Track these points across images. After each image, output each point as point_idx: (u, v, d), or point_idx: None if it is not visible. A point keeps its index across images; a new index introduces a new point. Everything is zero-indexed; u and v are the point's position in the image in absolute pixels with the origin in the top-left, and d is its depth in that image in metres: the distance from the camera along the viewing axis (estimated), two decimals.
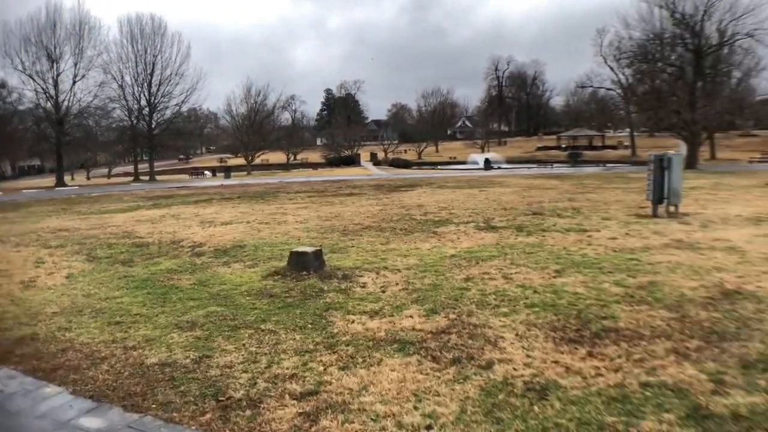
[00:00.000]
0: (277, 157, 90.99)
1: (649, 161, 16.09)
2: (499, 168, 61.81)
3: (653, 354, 6.24)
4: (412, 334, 7.18)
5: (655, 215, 16.01)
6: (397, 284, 9.60)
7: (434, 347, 6.70)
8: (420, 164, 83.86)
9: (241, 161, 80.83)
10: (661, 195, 15.89)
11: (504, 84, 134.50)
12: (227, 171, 65.37)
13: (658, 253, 11.25)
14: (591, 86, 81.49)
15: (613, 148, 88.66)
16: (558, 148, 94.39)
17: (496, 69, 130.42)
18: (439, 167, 75.78)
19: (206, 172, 73.21)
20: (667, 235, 13.11)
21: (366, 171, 63.64)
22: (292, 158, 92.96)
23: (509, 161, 78.30)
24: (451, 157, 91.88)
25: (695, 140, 43.22)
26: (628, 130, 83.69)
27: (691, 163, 41.52)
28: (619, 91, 70.05)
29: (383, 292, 9.20)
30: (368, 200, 24.45)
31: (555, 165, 68.16)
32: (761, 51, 46.50)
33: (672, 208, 16.35)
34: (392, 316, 7.95)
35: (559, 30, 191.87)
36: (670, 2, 44.43)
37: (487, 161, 59.70)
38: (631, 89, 61.02)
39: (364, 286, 9.56)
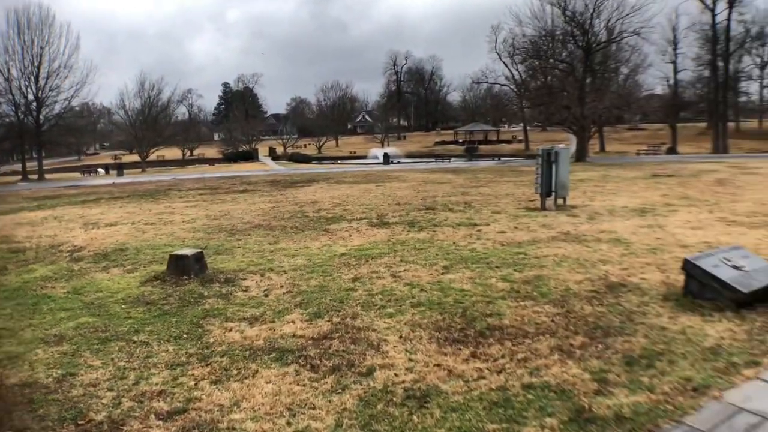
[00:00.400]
0: (173, 153, 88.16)
1: (537, 155, 16.29)
2: (399, 162, 62.14)
3: (537, 353, 6.11)
4: (292, 341, 6.80)
5: (543, 208, 16.25)
6: (281, 287, 9.18)
7: (314, 355, 6.34)
8: (320, 159, 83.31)
9: (136, 158, 77.68)
10: (549, 188, 16.15)
11: (402, 79, 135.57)
12: (120, 168, 62.66)
13: (545, 246, 11.32)
14: (486, 82, 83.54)
15: (508, 142, 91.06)
16: (455, 142, 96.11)
17: (395, 64, 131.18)
18: (339, 162, 75.52)
19: (99, 169, 69.74)
20: (555, 227, 13.27)
21: (264, 166, 62.51)
22: (188, 154, 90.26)
23: (408, 156, 78.99)
24: (351, 152, 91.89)
25: (585, 134, 44.79)
26: (522, 124, 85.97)
27: (580, 156, 43.02)
28: (513, 86, 71.98)
29: (266, 296, 8.77)
30: (261, 197, 23.78)
31: (452, 159, 69.34)
32: (647, 48, 48.68)
33: (560, 201, 16.67)
34: (273, 322, 7.54)
35: (456, 26, 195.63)
36: (561, 0, 45.96)
37: (386, 156, 59.86)
38: (525, 85, 62.76)
39: (246, 290, 9.09)
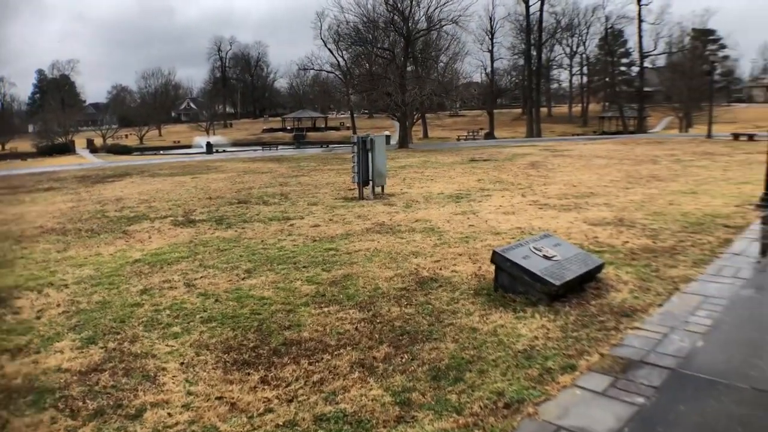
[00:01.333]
0: None
1: (353, 143, 15.71)
2: (224, 151, 59.82)
3: (336, 371, 5.37)
4: (55, 377, 5.58)
5: (361, 198, 15.75)
6: (58, 306, 7.78)
7: (77, 394, 5.19)
8: (143, 150, 78.38)
9: None
10: (366, 177, 15.65)
11: (228, 65, 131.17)
12: None
13: (358, 239, 10.70)
14: (312, 69, 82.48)
15: (336, 129, 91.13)
16: (283, 129, 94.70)
17: (219, 50, 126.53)
18: (161, 152, 71.42)
19: None
20: (370, 218, 12.73)
21: (81, 159, 57.54)
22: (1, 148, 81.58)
23: (235, 144, 76.53)
24: (175, 141, 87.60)
25: (407, 121, 45.35)
26: (349, 111, 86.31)
27: (403, 142, 43.51)
28: (339, 74, 71.73)
29: (38, 318, 7.36)
30: (63, 196, 21.38)
31: (280, 147, 67.85)
32: (466, 37, 50.09)
33: (378, 190, 16.23)
34: (39, 352, 6.23)
35: (284, 12, 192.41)
36: None
37: (209, 145, 57.27)
38: (350, 72, 62.64)
39: (17, 313, 7.61)
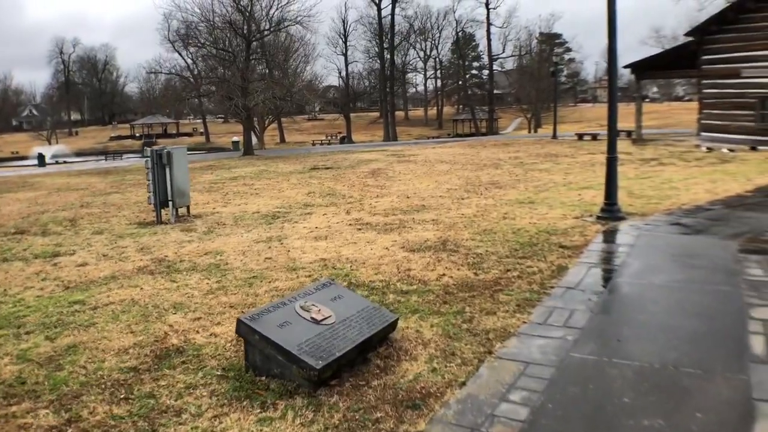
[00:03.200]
0: None
1: (146, 157, 13.23)
2: (64, 162, 54.58)
3: None
4: None
5: (159, 221, 13.31)
6: None
7: None
8: None
9: None
10: (165, 197, 13.21)
11: (71, 69, 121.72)
12: None
13: (120, 284, 8.38)
14: (161, 72, 77.66)
15: (189, 135, 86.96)
16: (132, 137, 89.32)
17: (61, 52, 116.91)
18: None
19: None
20: (154, 251, 10.39)
21: None
22: None
23: (79, 153, 70.77)
24: (13, 152, 80.00)
25: (251, 126, 42.73)
26: (200, 117, 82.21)
27: (247, 149, 40.89)
28: (190, 76, 67.55)
29: None
30: None
31: (126, 156, 63.27)
32: (319, 40, 47.94)
33: (183, 210, 13.86)
34: None
35: (132, 13, 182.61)
36: None
37: (40, 156, 51.71)
38: (200, 75, 58.89)
39: None
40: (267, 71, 44.08)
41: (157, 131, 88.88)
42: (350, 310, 5.46)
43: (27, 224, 14.49)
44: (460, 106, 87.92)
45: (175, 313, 7.01)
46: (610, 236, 9.86)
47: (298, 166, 27.54)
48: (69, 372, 5.58)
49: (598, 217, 11.08)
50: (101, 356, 5.89)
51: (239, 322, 5.09)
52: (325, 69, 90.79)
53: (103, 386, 5.24)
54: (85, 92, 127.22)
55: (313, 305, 5.37)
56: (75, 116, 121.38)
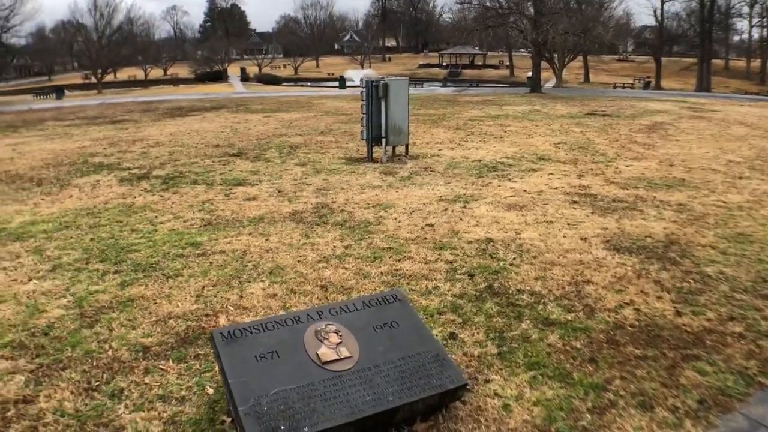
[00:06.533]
0: (155, 72, 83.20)
1: (362, 88, 11.94)
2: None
3: None
4: None
5: (370, 159, 12.09)
6: None
7: None
8: (295, 80, 78.31)
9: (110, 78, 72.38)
10: (378, 133, 11.87)
11: None
12: (59, 91, 56.97)
13: (250, 231, 7.35)
14: (469, 3, 76.72)
15: (495, 67, 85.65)
16: (439, 66, 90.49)
17: None
18: (307, 84, 70.63)
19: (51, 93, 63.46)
20: (330, 194, 9.24)
21: (228, 88, 57.48)
22: (163, 74, 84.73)
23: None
24: (329, 74, 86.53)
25: (540, 61, 39.73)
26: (506, 49, 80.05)
27: (534, 86, 38.19)
28: (498, 7, 65.53)
29: None
30: (97, 133, 19.59)
31: (428, 84, 64.31)
32: None
33: (402, 149, 12.52)
34: None
35: None
36: None
37: (341, 80, 54.54)
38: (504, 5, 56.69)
39: None
40: (564, 4, 40.23)
41: (464, 62, 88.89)
42: (391, 353, 3.46)
43: (252, 146, 14.34)
44: None
45: (262, 281, 5.60)
46: None
47: (575, 109, 24.57)
48: (79, 344, 4.47)
49: None
50: (124, 331, 4.70)
51: (211, 336, 3.42)
52: (639, 6, 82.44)
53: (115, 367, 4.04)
54: (402, 20, 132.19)
55: (336, 332, 3.49)
56: (391, 43, 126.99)
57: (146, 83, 77.52)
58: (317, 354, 3.33)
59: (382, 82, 11.60)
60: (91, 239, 7.11)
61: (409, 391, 3.23)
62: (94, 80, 67.40)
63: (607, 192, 9.27)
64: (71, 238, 7.17)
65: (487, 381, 3.81)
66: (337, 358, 3.32)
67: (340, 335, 3.46)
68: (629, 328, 4.57)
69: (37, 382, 4.03)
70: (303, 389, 3.12)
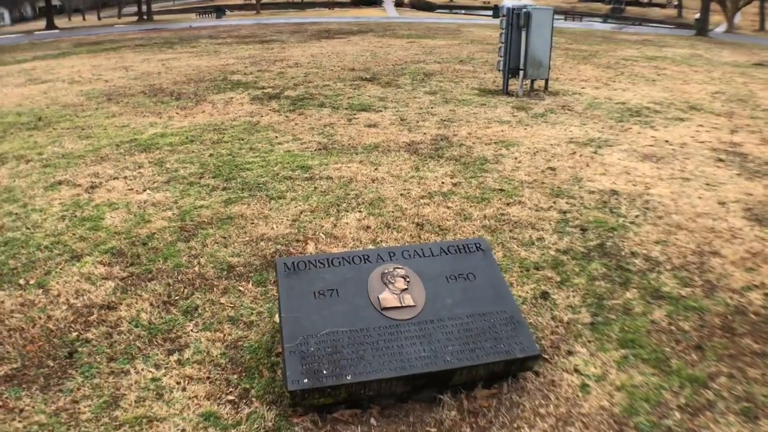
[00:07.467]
0: None
1: (501, 15, 11.24)
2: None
3: None
4: None
5: (505, 92, 11.47)
6: None
7: None
8: (450, 8, 76.38)
9: None
10: (516, 65, 11.21)
11: None
12: (219, 11, 59.04)
13: (361, 159, 7.18)
14: None
15: (662, 5, 79.37)
16: (602, 0, 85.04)
17: None
18: (461, 12, 68.77)
19: (213, 13, 65.91)
20: (452, 126, 8.86)
21: (380, 12, 57.40)
22: None
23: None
24: (485, 1, 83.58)
25: (709, 3, 36.08)
26: None
27: (701, 29, 34.88)
28: None
29: None
30: (243, 51, 20.11)
31: (585, 19, 60.76)
32: None
33: (541, 84, 11.82)
34: None
35: None
36: None
37: (495, 9, 52.57)
38: None
39: None
40: None
41: None
42: (459, 308, 3.14)
43: (387, 71, 14.08)
44: None
45: (359, 212, 5.44)
46: None
47: (743, 57, 22.20)
48: (171, 257, 4.50)
49: None
50: (216, 248, 4.70)
51: (274, 264, 3.26)
52: None
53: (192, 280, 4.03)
54: None
55: (403, 277, 3.21)
56: None
57: (303, 5, 78.49)
58: (378, 298, 3.08)
59: (524, 10, 10.83)
60: (210, 155, 7.22)
61: (471, 353, 2.91)
62: (254, 0, 69.08)
63: (762, 153, 8.22)
64: (193, 152, 7.33)
65: (569, 353, 3.41)
66: (399, 305, 3.05)
67: (408, 281, 3.17)
68: (752, 316, 3.93)
69: (124, 290, 4.08)
70: (355, 334, 2.90)
